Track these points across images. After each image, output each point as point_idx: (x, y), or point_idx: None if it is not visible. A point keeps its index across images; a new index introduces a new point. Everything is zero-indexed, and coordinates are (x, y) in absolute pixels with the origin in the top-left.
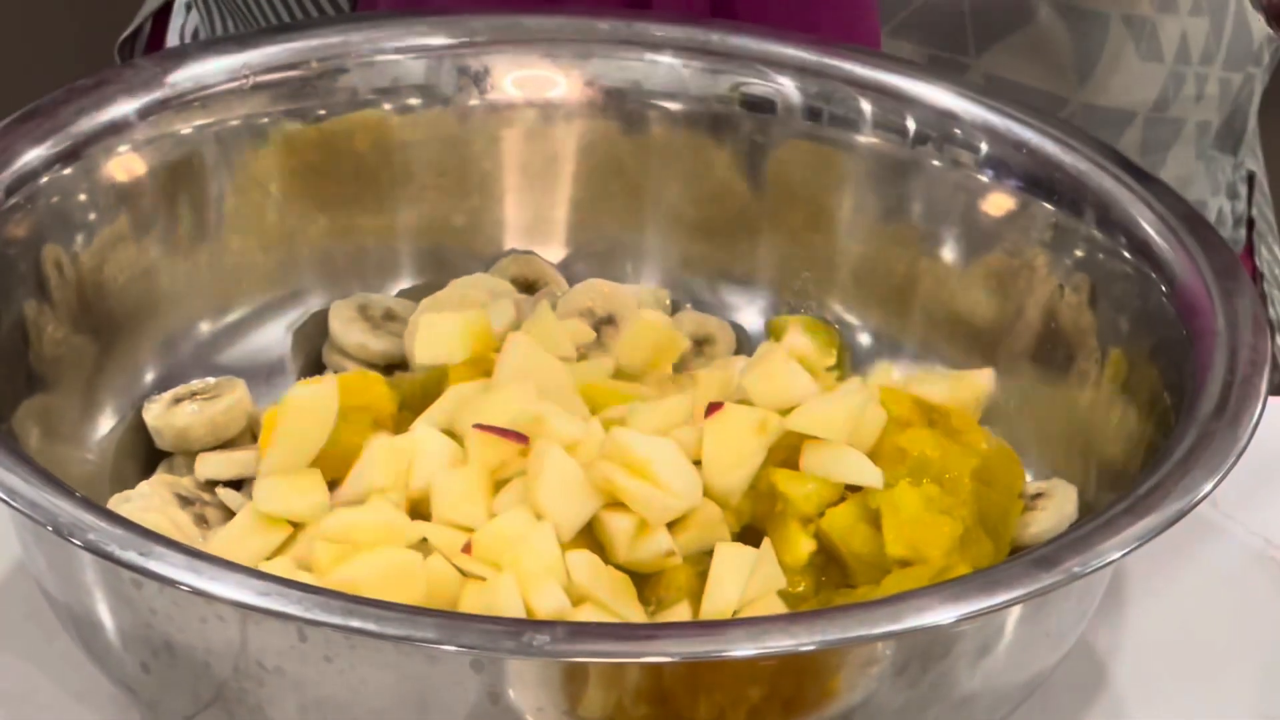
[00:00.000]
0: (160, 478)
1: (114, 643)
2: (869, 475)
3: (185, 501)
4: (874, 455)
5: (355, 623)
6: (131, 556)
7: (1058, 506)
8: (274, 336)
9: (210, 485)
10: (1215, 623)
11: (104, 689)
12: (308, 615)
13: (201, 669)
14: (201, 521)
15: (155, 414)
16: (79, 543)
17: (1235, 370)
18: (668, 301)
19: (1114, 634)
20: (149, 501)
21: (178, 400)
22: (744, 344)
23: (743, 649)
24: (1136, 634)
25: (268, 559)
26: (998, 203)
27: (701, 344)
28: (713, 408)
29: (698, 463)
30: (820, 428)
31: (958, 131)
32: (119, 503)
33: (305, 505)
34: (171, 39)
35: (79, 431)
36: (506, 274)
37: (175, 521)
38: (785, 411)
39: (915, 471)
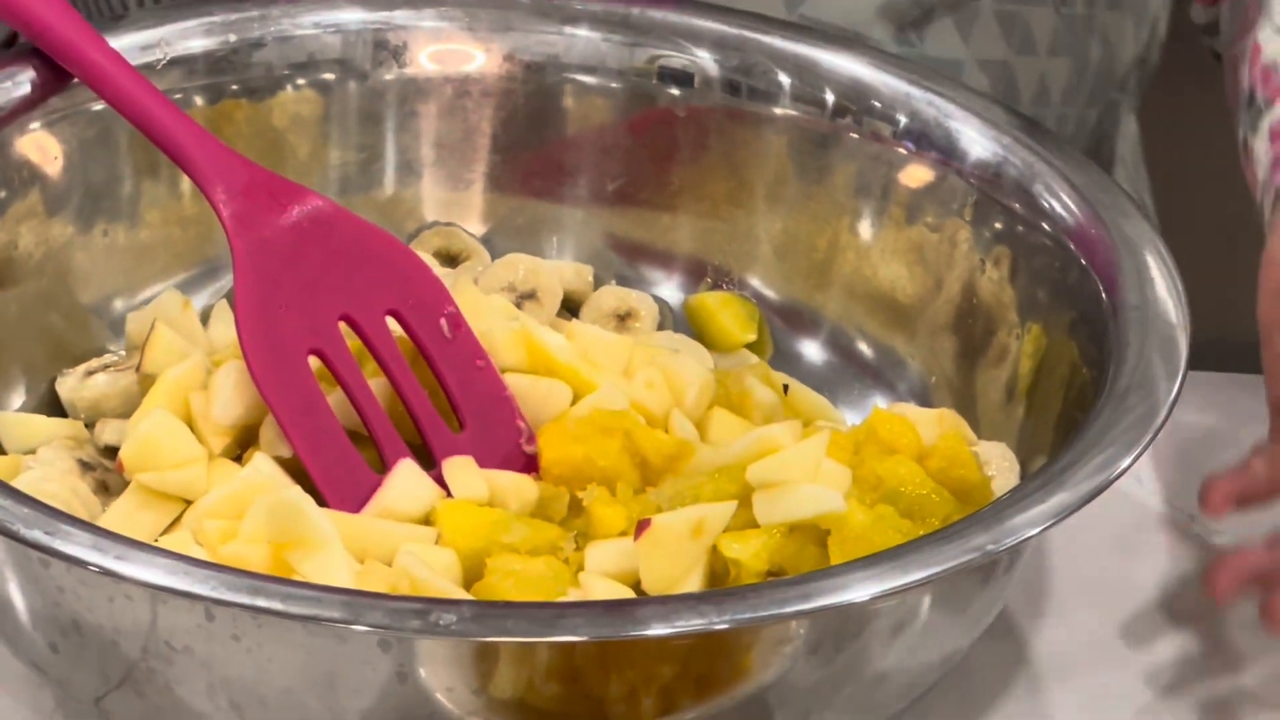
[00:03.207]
0: (61, 442)
1: (23, 622)
2: (828, 503)
3: (87, 467)
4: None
5: (261, 602)
6: (37, 535)
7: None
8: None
9: (111, 451)
10: (1138, 599)
11: (16, 669)
12: (214, 594)
13: (110, 648)
14: (102, 489)
15: (69, 387)
16: None
17: (1154, 345)
18: (589, 277)
19: (1034, 610)
20: (50, 470)
21: (90, 373)
22: (666, 318)
23: (654, 629)
24: (1057, 610)
25: (163, 534)
26: (917, 175)
27: (624, 318)
28: (641, 526)
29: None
30: (778, 475)
31: (876, 104)
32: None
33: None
34: None
35: None
36: (429, 246)
37: (75, 490)
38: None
39: (885, 501)
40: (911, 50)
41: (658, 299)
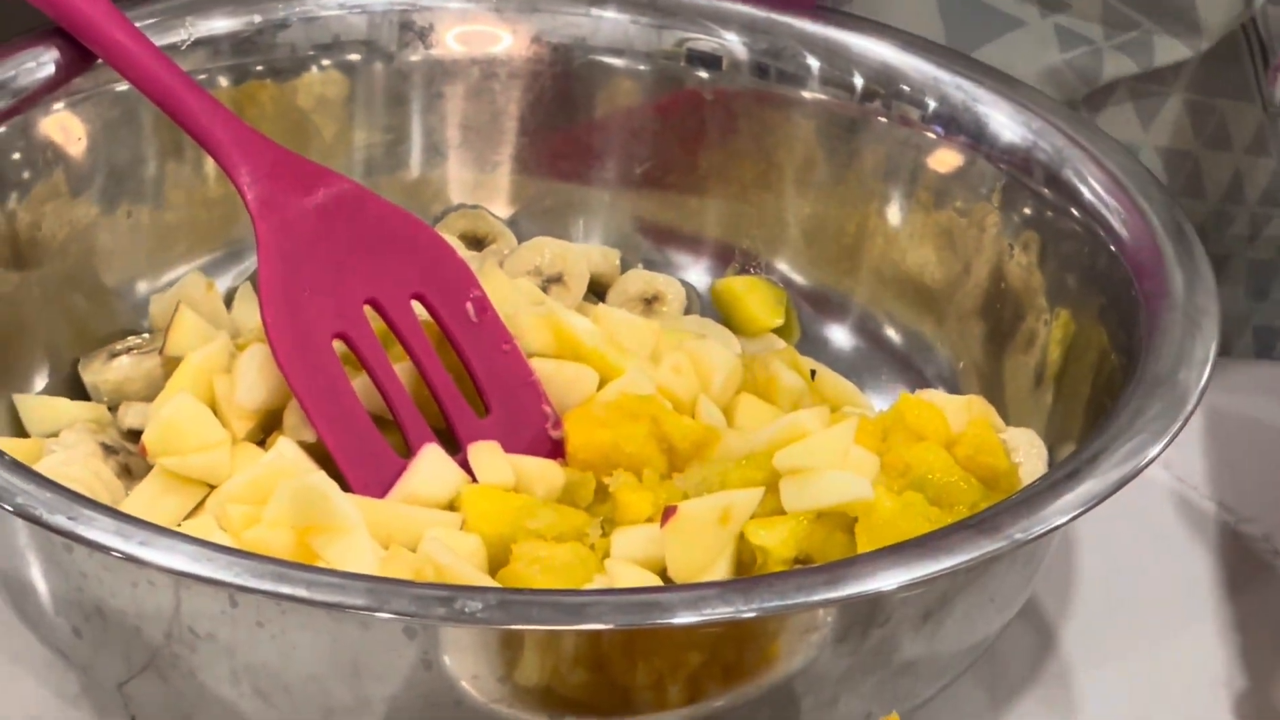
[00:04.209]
0: (85, 425)
1: (46, 607)
2: (856, 489)
3: (109, 451)
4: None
5: (285, 588)
6: (60, 520)
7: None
8: None
9: (134, 434)
10: (1166, 586)
11: (40, 653)
12: (238, 581)
13: (133, 634)
14: (125, 472)
15: (92, 370)
16: (8, 507)
17: (1184, 332)
18: (616, 261)
19: (1063, 598)
20: (72, 453)
21: (114, 355)
22: (693, 302)
23: (681, 617)
24: (1085, 598)
25: (186, 518)
26: (945, 159)
27: (651, 302)
28: (668, 513)
29: (664, 573)
30: (806, 461)
31: (905, 88)
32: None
33: (204, 464)
34: None
35: (14, 388)
36: (455, 229)
37: (99, 474)
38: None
39: (913, 488)
40: None
41: (685, 283)
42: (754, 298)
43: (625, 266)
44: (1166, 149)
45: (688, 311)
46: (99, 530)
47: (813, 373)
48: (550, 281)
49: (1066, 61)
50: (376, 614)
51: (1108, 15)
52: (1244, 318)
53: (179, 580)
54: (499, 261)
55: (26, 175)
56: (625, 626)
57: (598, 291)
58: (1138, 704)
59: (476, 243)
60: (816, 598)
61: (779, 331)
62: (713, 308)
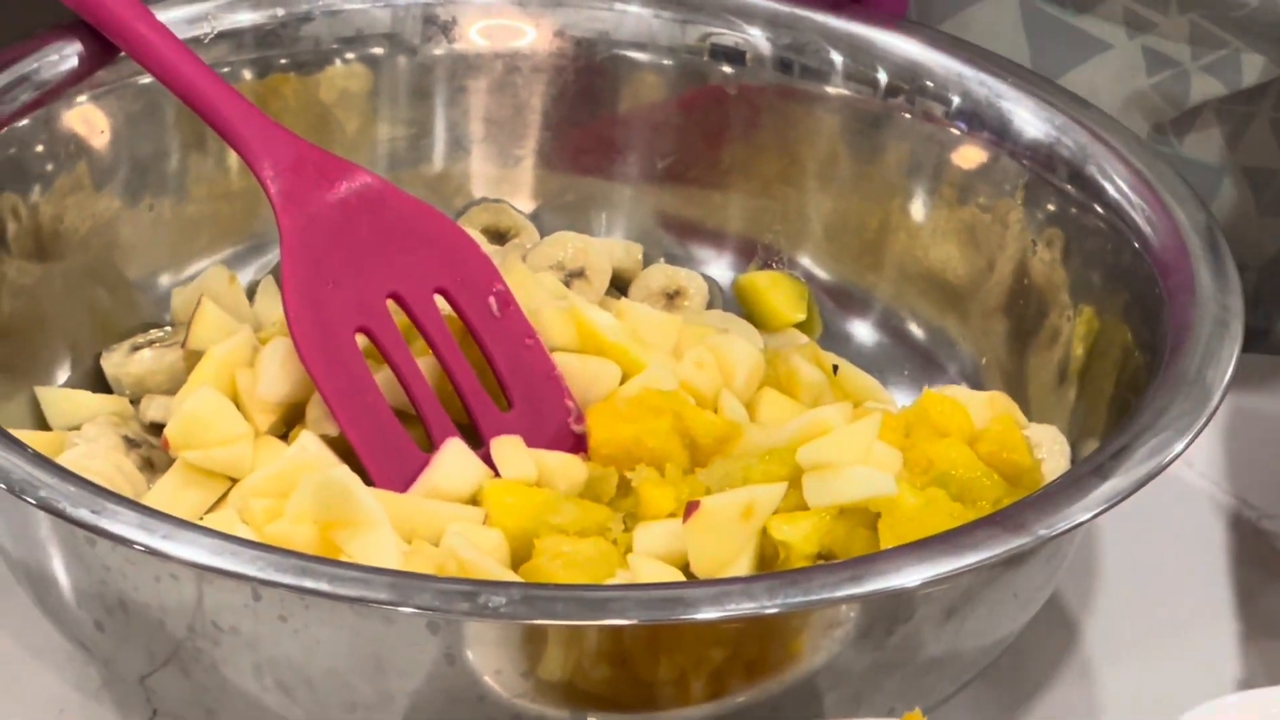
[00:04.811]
0: (107, 419)
1: (69, 600)
2: (879, 485)
3: (132, 444)
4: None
5: (309, 582)
6: (83, 514)
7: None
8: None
9: (156, 428)
10: (1189, 584)
11: (62, 646)
12: (261, 575)
13: (156, 628)
14: (147, 466)
15: (114, 363)
16: (31, 500)
17: (1208, 329)
18: (639, 255)
19: (1085, 595)
20: (94, 447)
21: (136, 348)
22: (715, 297)
23: (705, 613)
24: (1108, 595)
25: (208, 512)
26: (969, 155)
27: (673, 297)
28: (690, 508)
29: (686, 568)
30: (829, 457)
31: (929, 84)
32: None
33: (226, 457)
34: None
35: (37, 381)
36: (477, 223)
37: (120, 468)
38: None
39: (935, 484)
40: (1166, 150)
41: (707, 278)
42: (776, 293)
43: (647, 261)
44: (1254, 168)
45: (710, 306)
46: (123, 524)
47: (835, 368)
48: (572, 276)
49: (1153, 86)
50: (400, 609)
51: (1195, 34)
52: None
53: (202, 574)
54: (521, 256)
55: (50, 168)
56: (649, 622)
57: (620, 286)
58: (1158, 701)
59: (499, 237)
60: (841, 594)
61: (801, 327)
62: (735, 303)
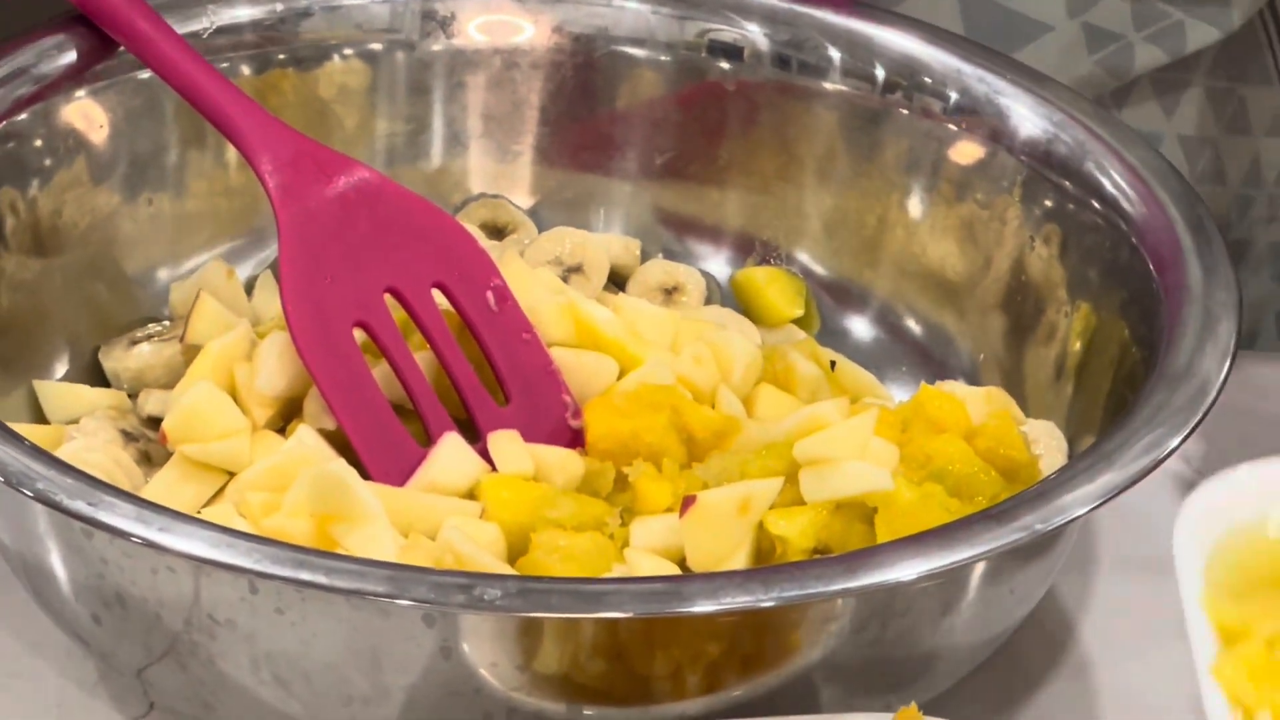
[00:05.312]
0: (105, 413)
1: (66, 593)
2: (876, 480)
3: (129, 438)
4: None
5: (305, 575)
6: (80, 506)
7: (1050, 451)
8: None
9: (154, 422)
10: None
11: (59, 641)
12: (258, 567)
13: (153, 621)
14: (145, 460)
15: (112, 357)
16: (28, 492)
17: (1204, 325)
18: (637, 251)
19: (1081, 591)
20: (92, 440)
21: (134, 343)
22: (713, 293)
23: (700, 606)
24: (1104, 591)
25: (205, 506)
26: (967, 152)
27: (671, 292)
28: (687, 503)
29: (683, 562)
30: (826, 451)
31: (927, 79)
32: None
33: (223, 451)
34: None
35: (35, 375)
36: (475, 218)
37: (118, 461)
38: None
39: (932, 479)
40: None
41: (705, 273)
42: (774, 289)
43: (645, 257)
44: (1188, 137)
45: (708, 302)
46: (119, 516)
47: (832, 364)
48: (570, 271)
49: (1097, 62)
50: (396, 601)
51: (1137, 6)
52: (1266, 302)
53: (199, 566)
54: (519, 251)
55: (48, 162)
56: (644, 615)
57: (618, 282)
58: (1156, 697)
59: (497, 232)
60: (836, 587)
61: (799, 323)
62: (733, 298)
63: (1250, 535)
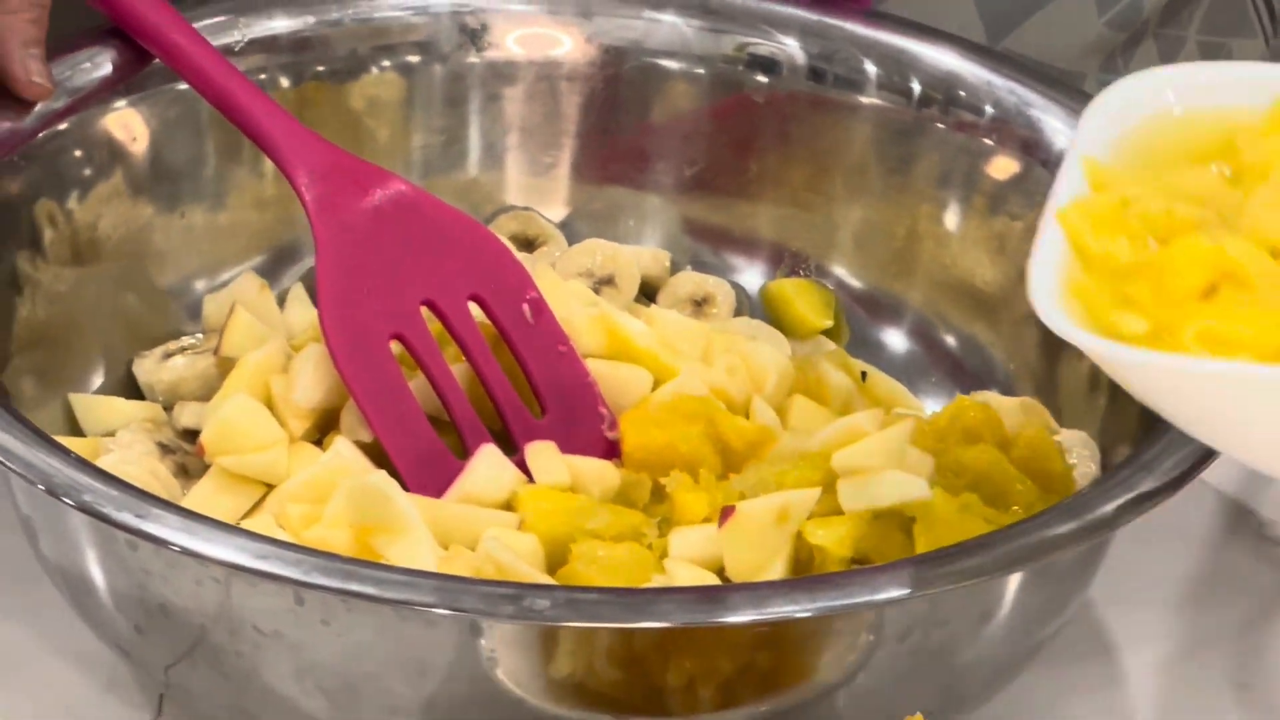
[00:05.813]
0: (141, 425)
1: (107, 603)
2: (913, 489)
3: (166, 450)
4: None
5: (354, 586)
6: (127, 518)
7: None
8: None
9: (189, 434)
10: (1220, 590)
11: (72, 642)
12: (306, 578)
13: (197, 632)
14: (182, 472)
15: (147, 369)
16: (73, 503)
17: None
18: (667, 262)
19: (1115, 600)
20: (129, 453)
21: (168, 355)
22: (743, 305)
23: (746, 615)
24: (1138, 601)
25: (243, 517)
26: (1003, 166)
27: (701, 304)
28: (725, 513)
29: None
30: (864, 461)
31: (962, 94)
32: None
33: (261, 463)
34: None
35: (70, 388)
36: (505, 231)
37: (156, 473)
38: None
39: (968, 489)
40: (1115, 77)
41: (735, 285)
42: (804, 300)
43: (675, 268)
44: None
45: (738, 313)
46: (167, 528)
47: (863, 374)
48: (601, 283)
49: (1107, 23)
50: (445, 612)
51: None
52: None
53: (243, 577)
54: (550, 263)
55: (87, 173)
56: (692, 623)
57: (648, 293)
58: (1191, 707)
59: (527, 244)
60: (880, 597)
61: (828, 334)
62: (762, 310)
63: (1159, 117)
